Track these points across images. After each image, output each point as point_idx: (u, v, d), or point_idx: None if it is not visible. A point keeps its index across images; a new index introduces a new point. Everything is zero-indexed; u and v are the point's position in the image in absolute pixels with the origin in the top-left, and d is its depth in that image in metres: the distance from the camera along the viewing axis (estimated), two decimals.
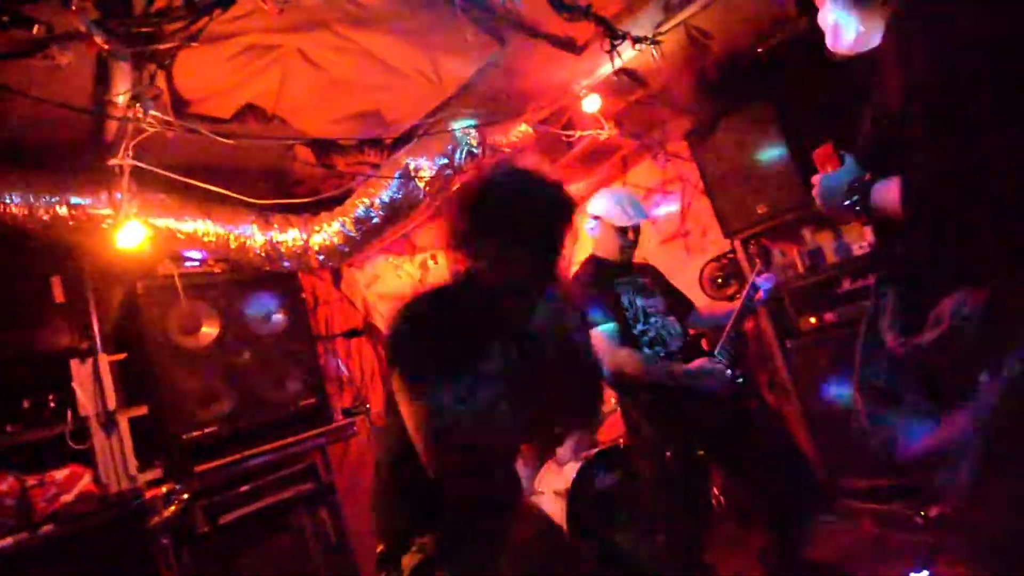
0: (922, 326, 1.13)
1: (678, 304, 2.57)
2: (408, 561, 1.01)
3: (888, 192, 1.11)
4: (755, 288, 2.41)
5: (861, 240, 2.91)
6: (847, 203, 1.19)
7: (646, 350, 2.30)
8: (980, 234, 1.02)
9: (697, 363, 2.21)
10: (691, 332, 2.53)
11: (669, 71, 2.97)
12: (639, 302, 2.37)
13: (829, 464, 2.92)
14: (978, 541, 2.08)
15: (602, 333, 2.25)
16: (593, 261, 2.49)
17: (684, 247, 3.78)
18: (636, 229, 2.45)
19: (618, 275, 2.42)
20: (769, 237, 3.30)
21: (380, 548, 1.07)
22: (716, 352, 2.26)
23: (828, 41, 1.29)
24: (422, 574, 0.98)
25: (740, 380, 2.23)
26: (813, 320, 2.98)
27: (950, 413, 1.11)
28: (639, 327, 2.33)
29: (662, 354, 2.31)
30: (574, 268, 2.48)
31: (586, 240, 2.50)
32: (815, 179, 1.32)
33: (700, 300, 3.55)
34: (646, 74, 3.00)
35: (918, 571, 2.14)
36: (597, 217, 2.45)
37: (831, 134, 1.45)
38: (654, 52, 2.51)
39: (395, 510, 1.08)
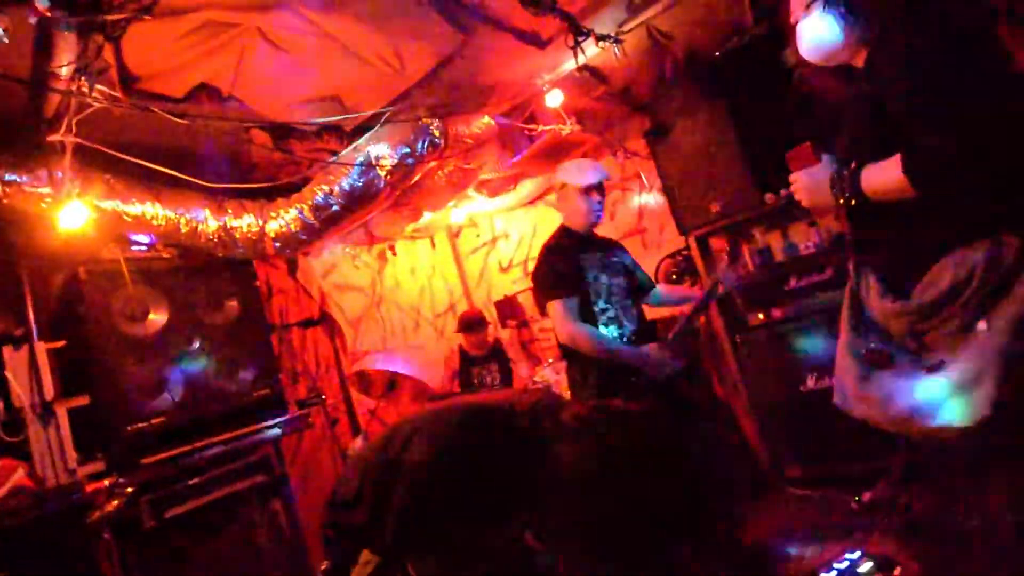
0: (910, 293, 1.26)
1: (641, 283, 2.62)
2: (358, 573, 1.00)
3: (882, 172, 1.22)
4: (717, 283, 2.52)
5: (807, 240, 3.05)
6: (835, 191, 1.31)
7: (603, 328, 2.35)
8: (984, 195, 1.15)
9: (646, 348, 2.30)
10: (646, 318, 2.60)
11: (630, 69, 3.03)
12: (603, 279, 2.40)
13: (773, 453, 3.06)
14: (908, 523, 2.24)
15: (561, 305, 2.28)
16: (563, 231, 2.52)
17: (641, 243, 3.87)
18: (600, 188, 2.48)
19: (587, 248, 2.45)
20: (722, 235, 3.42)
21: (324, 565, 1.07)
22: (669, 338, 2.36)
23: (803, 49, 1.40)
24: None
25: (678, 368, 2.34)
26: (761, 316, 3.11)
27: (944, 365, 1.22)
28: (600, 304, 2.37)
29: (616, 334, 2.37)
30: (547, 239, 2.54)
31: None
32: (794, 176, 1.42)
33: None
34: (608, 71, 3.05)
35: (852, 551, 2.28)
36: (563, 185, 2.49)
37: (783, 136, 1.53)
38: (616, 50, 2.56)
39: (346, 536, 1.06)
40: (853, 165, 1.27)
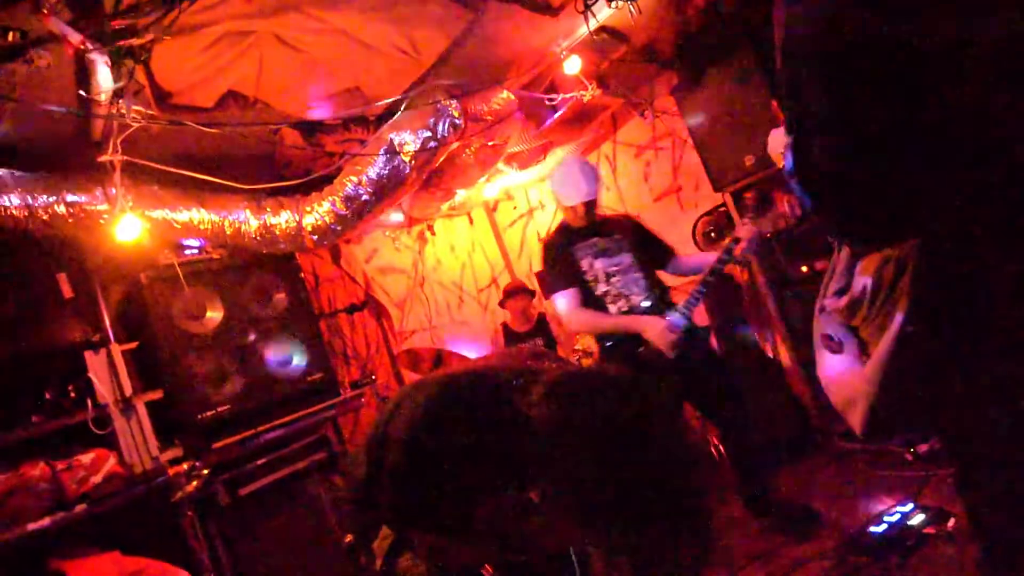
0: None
1: (655, 255, 2.63)
2: (379, 545, 1.08)
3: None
4: (736, 241, 2.41)
5: None
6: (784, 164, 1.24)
7: (611, 307, 2.48)
8: (876, 205, 1.00)
9: (644, 317, 2.42)
10: (663, 286, 2.63)
11: (649, 25, 2.93)
12: (598, 264, 2.53)
13: (823, 408, 3.00)
14: (962, 474, 2.17)
15: (560, 298, 2.51)
16: (560, 228, 2.67)
17: (678, 203, 3.78)
18: (587, 204, 2.54)
19: (580, 238, 2.56)
20: (759, 188, 3.30)
21: (349, 538, 1.16)
22: (680, 306, 2.39)
23: None
24: (394, 554, 1.06)
25: (690, 330, 2.38)
26: (805, 268, 3.01)
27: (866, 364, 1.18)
28: (601, 288, 2.51)
29: (625, 310, 2.47)
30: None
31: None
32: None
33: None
34: (627, 30, 2.96)
35: (904, 504, 2.23)
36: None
37: None
38: (631, 8, 2.48)
39: (363, 510, 1.12)
40: (790, 139, 1.20)
